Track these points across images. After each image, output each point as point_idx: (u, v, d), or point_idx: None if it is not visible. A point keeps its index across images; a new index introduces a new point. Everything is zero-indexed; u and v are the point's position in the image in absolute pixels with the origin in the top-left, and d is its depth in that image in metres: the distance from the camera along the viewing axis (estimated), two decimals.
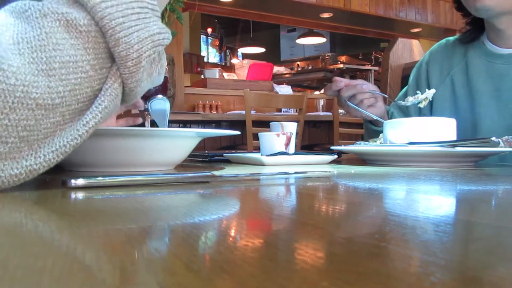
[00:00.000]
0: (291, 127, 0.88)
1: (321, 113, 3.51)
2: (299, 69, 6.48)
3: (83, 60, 0.34)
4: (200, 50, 6.94)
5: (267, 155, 0.74)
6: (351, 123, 2.79)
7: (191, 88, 3.51)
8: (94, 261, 0.16)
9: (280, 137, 0.77)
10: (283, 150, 0.77)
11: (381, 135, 0.86)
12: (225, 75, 4.44)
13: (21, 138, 0.32)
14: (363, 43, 6.29)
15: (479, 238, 0.20)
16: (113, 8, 0.35)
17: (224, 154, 0.86)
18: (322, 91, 5.05)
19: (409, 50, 2.65)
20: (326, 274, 0.14)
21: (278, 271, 0.14)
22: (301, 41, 6.25)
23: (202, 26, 7.08)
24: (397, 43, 2.60)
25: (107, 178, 0.38)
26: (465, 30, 1.03)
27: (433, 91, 0.87)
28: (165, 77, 0.72)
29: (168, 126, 0.71)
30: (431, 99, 0.88)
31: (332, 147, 0.86)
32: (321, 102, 3.78)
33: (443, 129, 0.76)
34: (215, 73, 3.87)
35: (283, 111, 3.48)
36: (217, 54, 7.98)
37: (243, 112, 2.65)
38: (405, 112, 1.08)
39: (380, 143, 0.84)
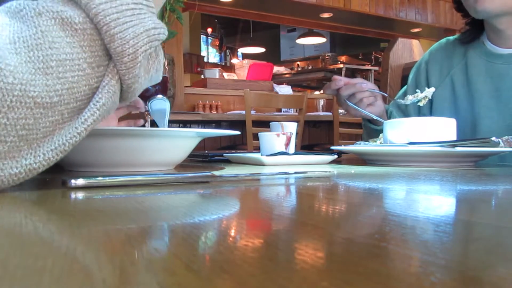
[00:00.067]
0: (291, 127, 0.88)
1: (321, 113, 3.51)
2: (299, 69, 6.48)
3: (79, 58, 0.34)
4: (200, 50, 6.94)
5: (267, 155, 0.74)
6: (351, 123, 2.79)
7: (191, 88, 3.51)
8: (94, 261, 0.16)
9: (280, 137, 0.77)
10: (283, 150, 0.77)
11: (381, 135, 0.86)
12: (225, 75, 4.44)
13: (20, 137, 0.32)
14: (363, 43, 6.29)
15: (479, 238, 0.20)
16: (107, 4, 0.35)
17: (224, 154, 0.86)
18: (321, 91, 5.04)
19: (409, 50, 2.65)
20: (326, 274, 0.14)
21: (278, 271, 0.14)
22: (301, 41, 6.24)
23: (202, 26, 7.08)
24: (397, 43, 2.60)
25: (107, 178, 0.38)
26: (465, 30, 1.03)
27: (432, 89, 0.87)
28: (165, 77, 0.72)
29: (168, 126, 0.71)
30: (430, 98, 0.88)
31: (332, 147, 0.86)
32: (321, 102, 3.78)
33: (443, 129, 0.76)
34: (215, 73, 3.87)
35: (283, 111, 3.48)
36: (217, 54, 7.98)
37: (243, 112, 2.65)
38: (404, 111, 1.08)
39: (380, 143, 0.84)
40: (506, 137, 0.73)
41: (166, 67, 0.74)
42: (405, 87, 1.14)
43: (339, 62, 6.13)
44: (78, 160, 0.57)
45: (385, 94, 0.99)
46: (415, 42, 2.80)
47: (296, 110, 2.88)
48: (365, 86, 0.94)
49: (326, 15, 3.93)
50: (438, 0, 4.23)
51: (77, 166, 0.59)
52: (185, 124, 2.93)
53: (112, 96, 0.36)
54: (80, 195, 0.34)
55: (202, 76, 4.11)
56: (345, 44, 7.10)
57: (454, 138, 0.76)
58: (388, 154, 0.77)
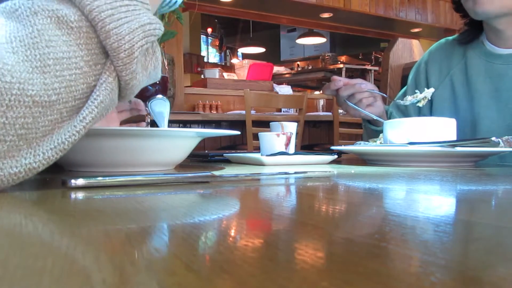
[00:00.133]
0: (291, 127, 0.88)
1: (321, 113, 3.51)
2: (299, 69, 6.48)
3: (76, 56, 0.34)
4: (200, 50, 6.95)
5: (267, 155, 0.74)
6: (351, 123, 2.79)
7: (191, 88, 3.51)
8: (94, 261, 0.16)
9: (280, 137, 0.77)
10: (283, 150, 0.77)
11: (381, 135, 0.86)
12: (225, 75, 4.44)
13: (19, 136, 0.32)
14: (363, 43, 6.29)
15: (479, 238, 0.20)
16: (101, 1, 0.35)
17: (224, 154, 0.86)
18: (321, 91, 5.04)
19: (409, 50, 2.65)
20: (326, 274, 0.14)
21: (278, 271, 0.14)
22: (301, 41, 6.24)
23: (202, 26, 7.08)
24: (397, 43, 2.60)
25: (107, 178, 0.38)
26: (464, 30, 1.03)
27: (432, 90, 0.87)
28: (165, 77, 0.72)
29: (168, 126, 0.71)
30: (430, 98, 0.88)
31: (332, 147, 0.86)
32: (321, 102, 3.78)
33: (443, 129, 0.76)
34: (215, 73, 3.88)
35: (283, 111, 3.48)
36: (217, 54, 7.98)
37: (243, 112, 2.65)
38: (404, 112, 1.08)
39: (380, 143, 0.84)
40: (506, 137, 0.73)
41: (166, 67, 0.74)
42: (405, 88, 1.14)
43: (339, 62, 6.13)
44: (78, 160, 0.57)
45: (384, 95, 0.99)
46: (415, 42, 2.79)
47: (296, 110, 2.88)
48: (365, 87, 0.94)
49: (326, 15, 3.93)
50: (438, 0, 4.23)
51: (77, 166, 0.59)
52: (185, 124, 2.93)
53: (110, 93, 0.36)
54: (80, 195, 0.34)
55: (202, 76, 4.11)
56: (345, 44, 7.10)
57: (454, 138, 0.76)
58: (388, 154, 0.77)
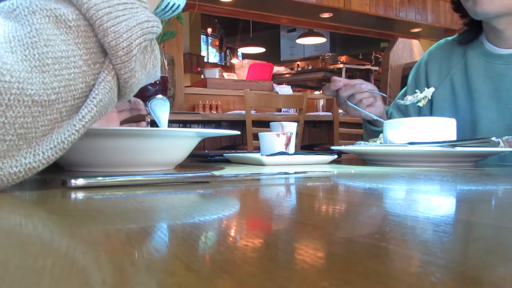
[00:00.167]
0: (291, 127, 0.88)
1: (321, 113, 3.51)
2: (299, 69, 6.48)
3: (74, 55, 0.34)
4: (200, 50, 6.95)
5: (267, 155, 0.74)
6: (351, 123, 2.79)
7: (191, 88, 3.51)
8: (94, 261, 0.16)
9: (280, 137, 0.77)
10: (283, 150, 0.77)
11: (381, 135, 0.86)
12: (225, 75, 4.44)
13: (19, 136, 0.32)
14: (363, 43, 6.29)
15: (479, 238, 0.20)
16: None
17: (224, 154, 0.86)
18: (321, 91, 5.04)
19: (409, 50, 2.65)
20: (326, 274, 0.14)
21: (278, 271, 0.14)
22: (301, 41, 6.25)
23: (202, 26, 7.08)
24: (397, 43, 2.60)
25: (107, 178, 0.38)
26: (463, 30, 1.03)
27: (432, 89, 0.87)
28: (165, 77, 0.72)
29: (168, 126, 0.71)
30: (430, 98, 0.88)
31: (332, 147, 0.86)
32: (321, 102, 3.78)
33: (443, 129, 0.76)
34: (215, 73, 3.88)
35: (283, 111, 3.48)
36: (217, 54, 7.98)
37: (243, 112, 2.65)
38: (404, 112, 1.08)
39: (380, 143, 0.84)
40: (506, 137, 0.73)
41: (166, 67, 0.74)
42: (405, 88, 1.14)
43: (339, 62, 6.13)
44: (78, 160, 0.57)
45: (384, 95, 0.99)
46: (415, 42, 2.79)
47: (296, 110, 2.88)
48: (365, 87, 0.94)
49: (326, 15, 3.93)
50: (438, 0, 4.23)
51: (77, 166, 0.59)
52: (185, 124, 2.93)
53: (109, 92, 0.36)
54: (80, 195, 0.34)
55: (202, 76, 4.11)
56: (345, 44, 7.10)
57: (454, 138, 0.76)
58: (388, 154, 0.77)
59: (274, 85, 3.90)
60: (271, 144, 0.77)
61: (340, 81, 0.95)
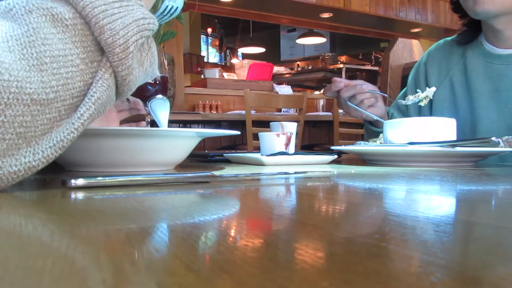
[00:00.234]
0: (291, 127, 0.88)
1: (321, 113, 3.51)
2: (299, 69, 6.48)
3: (72, 54, 0.35)
4: (200, 50, 6.95)
5: (267, 155, 0.74)
6: (351, 123, 2.79)
7: (191, 88, 3.51)
8: (94, 261, 0.16)
9: (280, 137, 0.77)
10: (283, 150, 0.77)
11: (381, 135, 0.86)
12: (225, 75, 4.45)
13: (18, 135, 0.32)
14: (363, 43, 6.29)
15: (479, 238, 0.20)
16: None
17: (224, 154, 0.86)
18: (322, 91, 5.04)
19: (409, 50, 2.65)
20: (326, 274, 0.14)
21: (278, 271, 0.14)
22: (301, 41, 6.24)
23: (202, 26, 7.08)
24: (397, 43, 2.60)
25: (107, 178, 0.38)
26: (462, 31, 1.03)
27: (433, 89, 0.87)
28: (165, 77, 0.72)
29: (168, 126, 0.71)
30: (431, 98, 0.88)
31: (332, 147, 0.86)
32: (321, 102, 3.78)
33: (443, 129, 0.76)
34: (215, 73, 3.88)
35: (283, 111, 3.48)
36: (217, 54, 7.98)
37: (243, 112, 2.65)
38: (405, 113, 1.08)
39: (380, 143, 0.84)
40: (506, 137, 0.73)
41: (166, 67, 0.74)
42: (404, 89, 1.14)
43: (339, 62, 6.13)
44: (78, 160, 0.57)
45: (385, 95, 0.99)
46: (415, 42, 2.80)
47: (296, 110, 2.88)
48: (366, 88, 0.94)
49: (326, 15, 3.93)
50: (438, 0, 4.23)
51: (77, 166, 0.59)
52: (185, 124, 2.93)
53: (107, 90, 0.36)
54: (80, 195, 0.34)
55: (202, 76, 4.11)
56: (345, 44, 7.10)
57: (454, 138, 0.76)
58: (388, 154, 0.77)
59: (274, 85, 3.90)
60: (271, 144, 0.77)
61: (341, 82, 0.95)
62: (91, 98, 0.35)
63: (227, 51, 7.76)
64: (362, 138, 1.10)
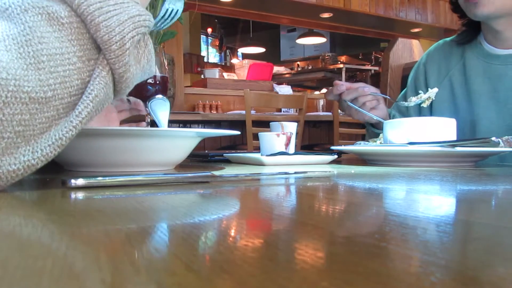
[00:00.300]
0: (291, 127, 0.88)
1: (321, 113, 3.51)
2: (299, 69, 6.48)
3: (69, 52, 0.35)
4: (200, 50, 6.95)
5: (267, 155, 0.74)
6: (351, 123, 2.79)
7: (191, 88, 3.51)
8: (94, 261, 0.16)
9: (280, 137, 0.77)
10: (283, 150, 0.77)
11: (381, 135, 0.86)
12: (225, 75, 4.44)
13: (17, 133, 0.32)
14: (363, 43, 6.29)
15: (479, 238, 0.20)
16: None
17: (224, 154, 0.86)
18: (322, 91, 5.05)
19: (409, 50, 2.65)
20: (326, 274, 0.14)
21: (278, 271, 0.14)
22: (301, 41, 6.24)
23: (202, 26, 7.08)
24: (397, 43, 2.60)
25: (107, 178, 0.38)
26: (461, 31, 1.03)
27: (435, 90, 0.87)
28: (165, 77, 0.72)
29: (168, 126, 0.71)
30: (434, 98, 0.88)
31: (332, 147, 0.86)
32: (321, 102, 3.78)
33: (443, 129, 0.76)
34: (215, 73, 3.88)
35: (283, 111, 3.48)
36: (217, 54, 7.98)
37: (243, 112, 2.65)
38: (405, 113, 1.08)
39: (380, 143, 0.84)
40: (506, 137, 0.73)
41: (166, 67, 0.74)
42: (404, 90, 1.14)
43: (339, 62, 6.13)
44: (78, 160, 0.57)
45: (387, 97, 0.99)
46: (415, 42, 2.79)
47: (296, 110, 2.88)
48: (367, 90, 0.94)
49: (326, 15, 3.93)
50: (438, 0, 4.23)
51: (77, 166, 0.59)
52: (185, 124, 2.93)
53: (104, 87, 0.36)
54: (80, 195, 0.34)
55: (202, 76, 4.11)
56: (345, 44, 7.10)
57: (454, 138, 0.76)
58: (388, 154, 0.77)
59: (274, 85, 3.90)
60: (271, 144, 0.77)
61: (342, 85, 0.95)
62: (88, 96, 0.35)
63: (227, 51, 7.76)
64: (362, 138, 1.10)
